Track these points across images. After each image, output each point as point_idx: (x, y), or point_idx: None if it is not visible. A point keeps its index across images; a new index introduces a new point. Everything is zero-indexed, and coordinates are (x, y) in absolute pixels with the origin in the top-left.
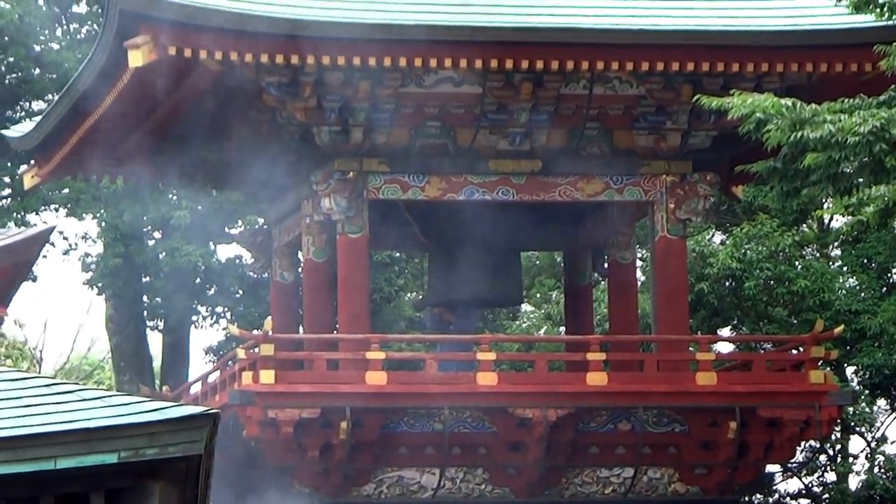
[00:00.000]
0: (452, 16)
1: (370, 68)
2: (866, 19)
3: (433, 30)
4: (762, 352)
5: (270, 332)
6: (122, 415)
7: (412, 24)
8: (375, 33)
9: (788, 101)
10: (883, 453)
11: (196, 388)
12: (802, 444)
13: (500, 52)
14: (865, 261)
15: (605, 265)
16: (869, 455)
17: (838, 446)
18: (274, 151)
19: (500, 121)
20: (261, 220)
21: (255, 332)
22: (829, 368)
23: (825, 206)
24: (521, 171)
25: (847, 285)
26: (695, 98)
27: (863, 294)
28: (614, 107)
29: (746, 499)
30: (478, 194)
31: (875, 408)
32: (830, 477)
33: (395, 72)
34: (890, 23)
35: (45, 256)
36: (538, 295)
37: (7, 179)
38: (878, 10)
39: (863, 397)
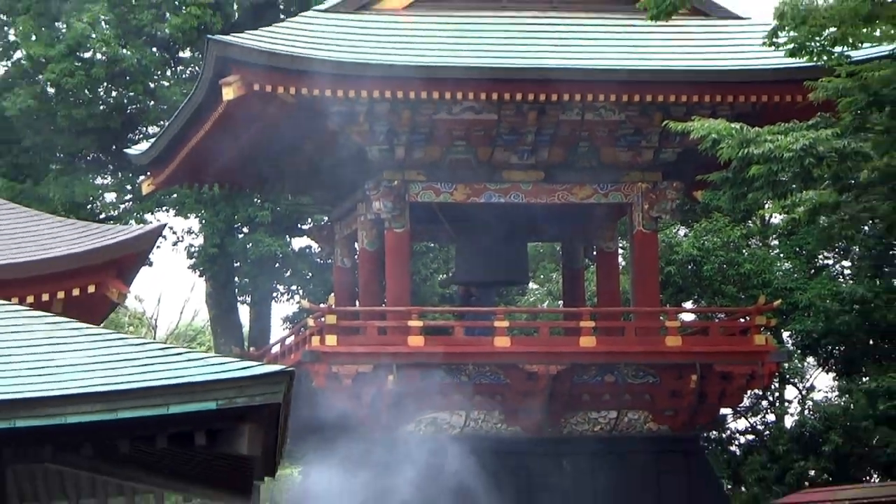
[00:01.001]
0: (474, 58)
1: (410, 100)
2: (799, 61)
3: (458, 70)
4: (717, 320)
5: (333, 306)
6: (219, 372)
7: (442, 65)
8: (413, 73)
9: (737, 125)
10: (812, 399)
11: (276, 350)
12: (749, 392)
13: (511, 87)
14: (798, 249)
15: (594, 253)
16: (801, 401)
17: (777, 394)
18: (336, 164)
19: (511, 141)
20: (325, 218)
21: (321, 305)
22: (769, 333)
23: (766, 206)
24: (528, 179)
25: (783, 268)
26: (664, 122)
27: (795, 275)
28: (601, 129)
29: (705, 435)
30: (494, 198)
31: (805, 364)
32: (770, 418)
33: (429, 103)
34: (817, 64)
35: (158, 247)
36: (542, 276)
37: (129, 187)
38: (808, 55)
39: (796, 356)
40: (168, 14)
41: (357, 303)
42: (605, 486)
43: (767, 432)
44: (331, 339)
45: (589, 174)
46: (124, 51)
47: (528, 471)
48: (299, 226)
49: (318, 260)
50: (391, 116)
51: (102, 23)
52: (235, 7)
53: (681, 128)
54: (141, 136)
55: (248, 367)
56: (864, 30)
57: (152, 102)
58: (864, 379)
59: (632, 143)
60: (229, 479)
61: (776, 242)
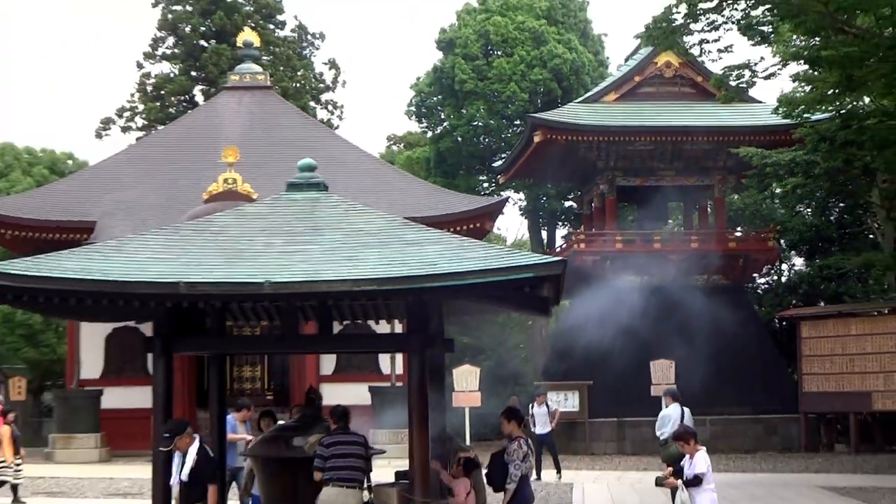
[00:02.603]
0: (646, 122)
1: (616, 141)
2: (788, 121)
3: (637, 128)
4: (752, 234)
5: (583, 230)
6: (535, 261)
7: (630, 125)
8: (617, 130)
9: (761, 150)
10: (794, 269)
11: (559, 250)
12: (765, 266)
13: (659, 134)
14: (788, 204)
15: (696, 207)
16: (788, 270)
17: (779, 266)
18: (584, 169)
19: (660, 157)
20: (580, 192)
21: (578, 230)
22: (774, 240)
23: (773, 185)
24: (668, 174)
25: (781, 212)
26: (728, 148)
27: (786, 215)
28: (700, 151)
29: (746, 285)
30: (653, 183)
31: (791, 253)
32: (776, 277)
33: (623, 143)
34: (797, 122)
35: (507, 206)
36: (674, 217)
37: (494, 180)
38: (792, 118)
39: (786, 250)
40: (510, 105)
41: (593, 229)
42: (703, 306)
43: (773, 283)
44: (581, 246)
45: (695, 171)
46: (491, 122)
47: (669, 299)
48: (568, 196)
49: (577, 211)
50: (608, 148)
51: (481, 109)
52: (539, 102)
53: (735, 151)
54: (499, 158)
55: (546, 259)
56: (818, 106)
57: (503, 144)
58: (816, 260)
59: (714, 157)
60: (539, 305)
61: (778, 201)
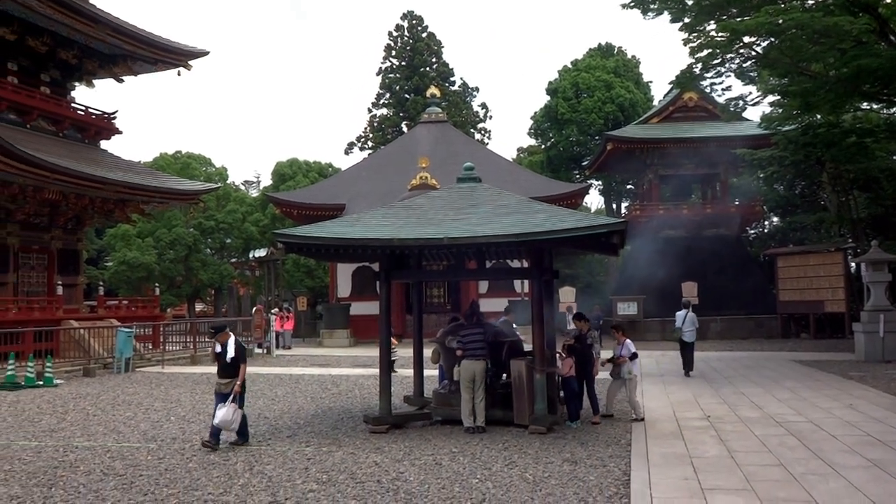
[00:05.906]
0: (676, 135)
1: (655, 148)
2: (768, 131)
3: (670, 140)
4: (746, 202)
5: (640, 204)
6: (609, 221)
7: (663, 137)
8: (656, 140)
9: (749, 149)
10: (773, 224)
11: (623, 215)
12: (754, 222)
13: (683, 144)
14: (768, 183)
15: (709, 187)
16: (769, 224)
17: (761, 222)
18: (637, 165)
19: (687, 156)
20: (634, 180)
21: (634, 203)
22: (760, 206)
23: (759, 172)
24: (692, 167)
25: (763, 188)
26: (730, 149)
27: (767, 190)
28: (712, 151)
29: (742, 234)
30: (683, 172)
31: (770, 214)
32: (760, 229)
33: (661, 148)
34: (774, 131)
35: (589, 188)
36: (698, 190)
37: (582, 174)
38: (770, 129)
39: (767, 213)
40: (592, 127)
41: (644, 202)
42: (714, 248)
43: (759, 233)
44: (637, 212)
45: (708, 165)
46: (580, 138)
47: (692, 244)
48: (629, 182)
49: (634, 191)
50: (653, 152)
51: (574, 130)
52: (609, 125)
53: (734, 151)
54: (585, 160)
55: (615, 220)
56: (786, 121)
57: (588, 151)
58: (787, 218)
59: (720, 155)
60: (611, 249)
61: (762, 181)
